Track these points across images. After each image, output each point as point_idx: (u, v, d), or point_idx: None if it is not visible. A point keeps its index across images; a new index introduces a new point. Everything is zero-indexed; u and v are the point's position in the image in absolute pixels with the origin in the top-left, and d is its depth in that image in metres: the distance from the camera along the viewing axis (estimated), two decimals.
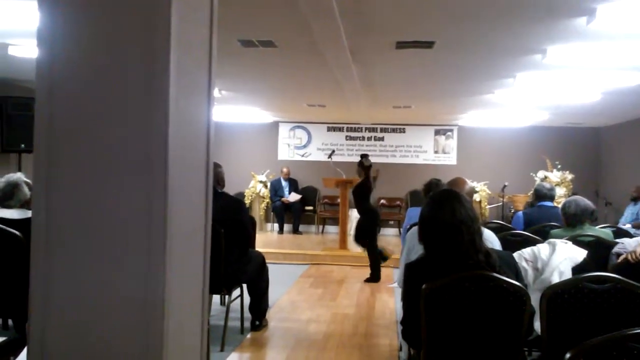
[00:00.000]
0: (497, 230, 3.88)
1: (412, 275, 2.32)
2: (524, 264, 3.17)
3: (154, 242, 1.39)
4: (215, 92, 7.47)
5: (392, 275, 7.20)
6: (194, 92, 1.57)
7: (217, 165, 4.20)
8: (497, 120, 10.07)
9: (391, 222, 11.37)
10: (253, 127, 11.56)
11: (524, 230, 4.42)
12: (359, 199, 6.99)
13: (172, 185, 1.40)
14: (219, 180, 4.23)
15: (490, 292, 2.18)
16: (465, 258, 2.20)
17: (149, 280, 1.39)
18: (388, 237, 10.89)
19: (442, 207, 2.26)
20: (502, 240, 3.29)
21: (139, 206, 1.39)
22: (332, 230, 11.19)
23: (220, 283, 4.12)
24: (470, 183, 3.56)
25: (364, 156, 7.11)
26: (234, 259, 4.25)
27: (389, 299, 6.09)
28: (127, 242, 1.40)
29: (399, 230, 10.82)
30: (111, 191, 1.40)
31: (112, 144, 1.40)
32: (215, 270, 4.01)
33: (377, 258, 6.93)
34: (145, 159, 1.39)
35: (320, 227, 11.41)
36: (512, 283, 2.19)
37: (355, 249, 8.41)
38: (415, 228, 3.36)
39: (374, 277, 6.93)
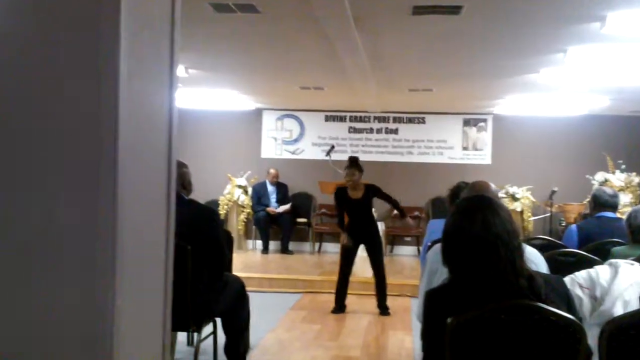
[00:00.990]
0: (543, 248, 3.89)
1: (435, 305, 2.32)
2: (578, 291, 3.17)
3: (99, 263, 1.38)
4: (180, 71, 7.55)
5: (410, 306, 7.21)
6: (152, 70, 1.57)
7: (182, 165, 4.19)
8: (543, 107, 10.09)
9: (407, 239, 11.39)
10: (230, 116, 11.57)
11: (578, 249, 4.43)
12: (370, 207, 7.05)
13: (124, 189, 1.40)
14: (184, 183, 4.22)
15: (535, 327, 2.18)
16: (503, 283, 2.20)
17: (93, 312, 1.38)
18: (403, 257, 10.91)
19: (472, 218, 2.26)
20: (550, 261, 3.29)
21: (80, 216, 1.39)
22: (331, 249, 11.19)
23: (187, 317, 4.11)
24: (496, 189, 3.54)
25: (355, 159, 7.17)
26: (205, 286, 4.24)
27: (405, 337, 6.09)
28: (65, 263, 1.39)
29: (418, 250, 10.83)
30: (45, 196, 1.39)
31: (46, 136, 1.39)
32: (181, 300, 4.02)
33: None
34: (89, 155, 1.38)
35: (316, 244, 11.41)
36: (563, 316, 2.19)
37: (363, 272, 8.42)
38: (438, 246, 3.36)
39: (386, 307, 7.00)
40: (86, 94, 1.38)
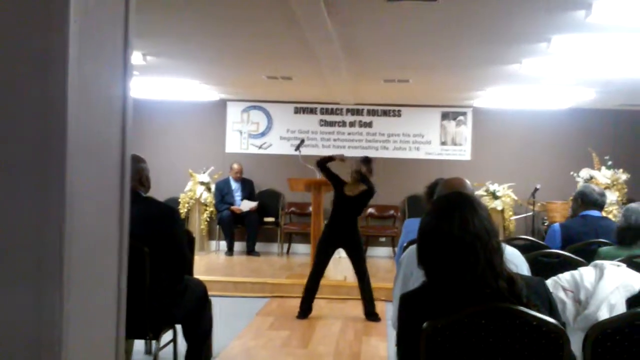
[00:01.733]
0: (525, 248, 3.92)
1: (410, 310, 2.32)
2: (561, 294, 3.21)
3: (45, 267, 1.36)
4: (137, 58, 7.50)
5: (385, 311, 7.24)
6: (105, 54, 1.55)
7: (138, 160, 4.15)
8: (525, 100, 10.19)
9: (382, 240, 11.43)
10: (191, 107, 11.50)
11: (561, 249, 4.47)
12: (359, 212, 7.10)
13: (73, 185, 1.38)
14: (142, 180, 4.18)
15: (515, 332, 2.19)
16: (481, 285, 2.21)
17: (39, 319, 1.36)
18: (378, 259, 10.95)
19: (449, 217, 2.27)
20: (532, 262, 3.32)
21: (25, 217, 1.36)
22: (301, 249, 11.20)
23: (145, 323, 4.08)
24: (471, 187, 3.57)
25: (370, 158, 7.11)
26: (164, 290, 4.21)
27: (380, 344, 6.12)
28: (8, 267, 1.37)
29: (394, 251, 10.88)
30: None
31: None
32: (138, 305, 4.00)
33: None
34: (33, 149, 1.36)
35: (285, 245, 11.41)
36: (545, 320, 2.21)
37: (335, 275, 8.44)
38: (413, 247, 3.37)
39: (375, 314, 7.07)
40: (31, 80, 1.36)
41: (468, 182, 3.51)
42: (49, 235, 1.36)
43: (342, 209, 7.04)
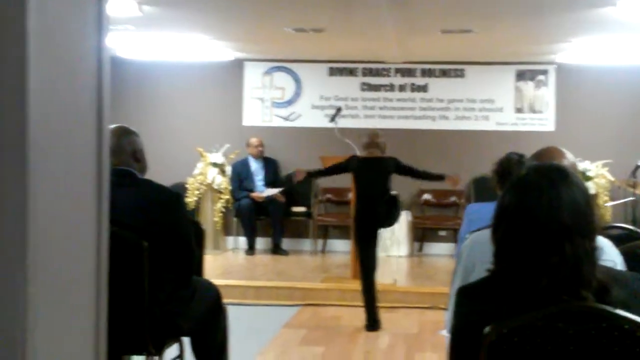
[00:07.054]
0: (621, 239, 3.86)
1: (469, 306, 2.33)
2: None
3: (3, 272, 1.37)
4: (132, 7, 7.53)
5: (444, 321, 7.24)
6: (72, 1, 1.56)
7: (127, 132, 4.14)
8: (623, 53, 10.07)
9: (442, 233, 11.39)
10: (200, 69, 11.57)
11: None
12: None
13: (36, 168, 1.38)
14: (135, 154, 4.17)
15: (602, 338, 2.18)
16: (559, 291, 2.20)
17: None
18: (436, 258, 10.93)
19: (536, 194, 2.25)
20: (629, 256, 3.29)
21: None
22: (340, 247, 11.20)
23: (144, 336, 4.12)
24: (574, 159, 3.55)
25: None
26: (168, 295, 4.25)
27: None
28: None
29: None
30: None
31: None
32: (134, 313, 4.03)
33: None
34: None
35: (320, 242, 11.46)
36: None
37: (383, 278, 8.44)
38: (476, 236, 3.36)
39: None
40: None
41: (569, 153, 3.47)
42: (9, 232, 1.36)
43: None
